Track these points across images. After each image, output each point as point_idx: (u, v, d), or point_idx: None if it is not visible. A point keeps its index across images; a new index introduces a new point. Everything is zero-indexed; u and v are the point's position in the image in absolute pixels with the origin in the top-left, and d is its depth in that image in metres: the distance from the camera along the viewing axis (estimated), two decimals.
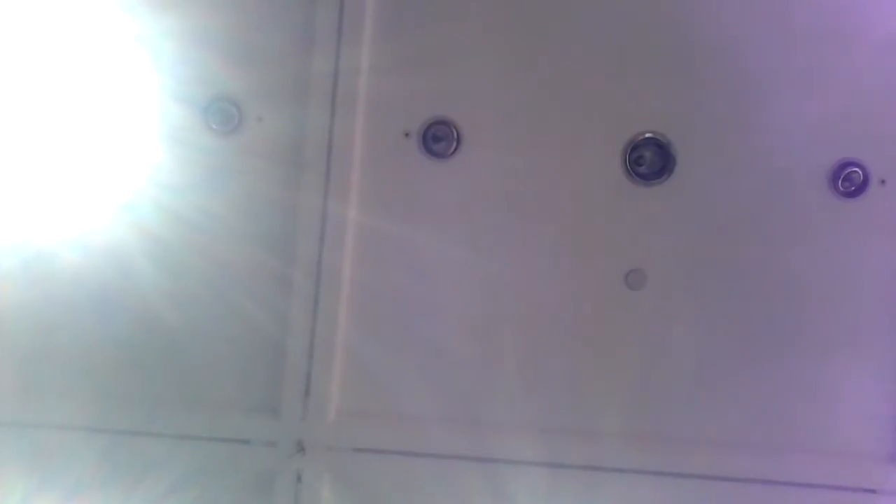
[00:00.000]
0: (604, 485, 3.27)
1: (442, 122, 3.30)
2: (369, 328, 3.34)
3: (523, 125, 3.31)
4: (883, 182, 3.26)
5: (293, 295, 3.29)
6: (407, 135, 3.32)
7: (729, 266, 3.30)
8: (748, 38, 3.24)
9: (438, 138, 3.31)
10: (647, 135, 3.27)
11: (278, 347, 3.32)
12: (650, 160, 3.28)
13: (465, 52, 3.29)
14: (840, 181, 3.25)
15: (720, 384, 3.30)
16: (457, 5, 3.28)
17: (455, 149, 3.31)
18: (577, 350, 3.32)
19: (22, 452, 3.34)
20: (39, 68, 3.30)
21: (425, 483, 3.30)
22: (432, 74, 3.30)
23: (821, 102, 3.24)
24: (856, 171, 3.24)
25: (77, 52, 3.30)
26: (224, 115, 3.33)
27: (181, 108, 3.32)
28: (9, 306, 3.41)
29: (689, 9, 3.23)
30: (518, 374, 3.33)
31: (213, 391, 3.37)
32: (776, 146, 3.26)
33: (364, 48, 3.25)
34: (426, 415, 3.34)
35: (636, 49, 3.27)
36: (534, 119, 3.30)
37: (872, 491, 3.26)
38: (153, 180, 3.32)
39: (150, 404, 3.36)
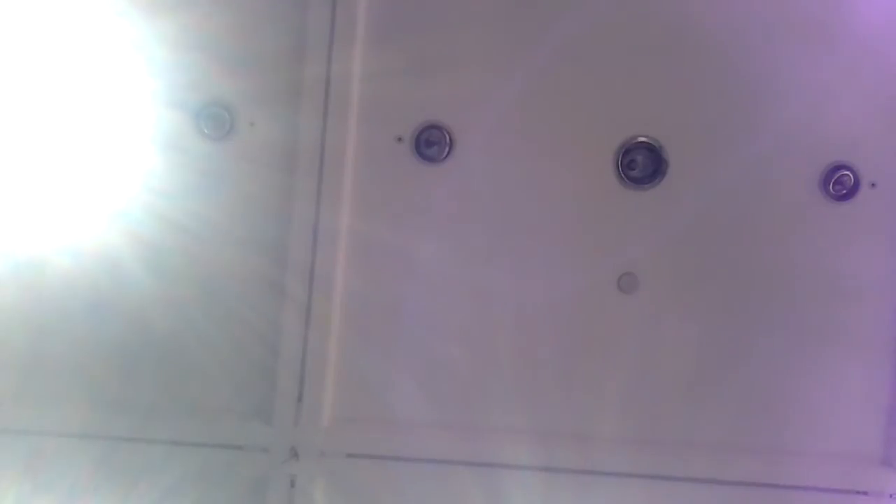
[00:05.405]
0: (597, 488, 3.27)
1: (434, 127, 3.30)
2: (362, 333, 3.34)
3: (516, 129, 3.31)
4: (873, 185, 3.27)
5: (286, 300, 3.28)
6: (399, 139, 3.32)
7: (721, 269, 3.31)
8: (740, 42, 3.25)
9: (431, 143, 3.32)
10: (640, 139, 3.28)
11: (271, 353, 3.31)
12: (642, 164, 3.29)
13: (457, 56, 3.29)
14: (831, 184, 3.27)
15: (712, 387, 3.31)
16: (449, 10, 3.28)
17: (447, 153, 3.32)
18: (570, 354, 3.33)
19: (15, 459, 3.33)
20: (32, 73, 3.29)
21: (419, 488, 3.30)
22: (424, 79, 3.30)
23: (812, 106, 3.26)
24: (846, 175, 3.26)
25: (69, 57, 3.29)
26: (216, 120, 3.32)
27: (173, 113, 3.32)
28: (1, 312, 3.39)
29: (680, 14, 3.24)
30: (511, 379, 3.33)
31: (207, 397, 3.36)
32: (767, 150, 3.27)
33: (356, 53, 3.25)
34: (419, 420, 3.34)
35: (628, 53, 3.28)
36: (526, 123, 3.31)
37: (864, 493, 3.27)
38: (145, 186, 3.31)
39: (144, 410, 3.35)
